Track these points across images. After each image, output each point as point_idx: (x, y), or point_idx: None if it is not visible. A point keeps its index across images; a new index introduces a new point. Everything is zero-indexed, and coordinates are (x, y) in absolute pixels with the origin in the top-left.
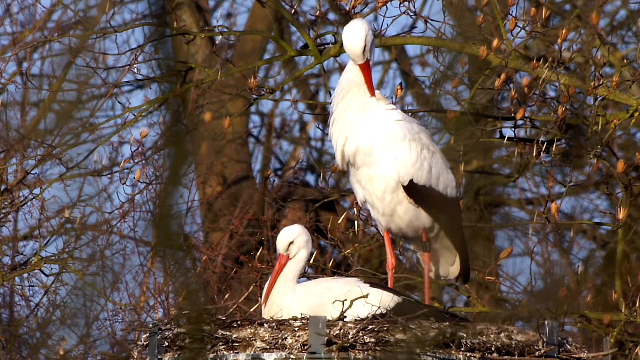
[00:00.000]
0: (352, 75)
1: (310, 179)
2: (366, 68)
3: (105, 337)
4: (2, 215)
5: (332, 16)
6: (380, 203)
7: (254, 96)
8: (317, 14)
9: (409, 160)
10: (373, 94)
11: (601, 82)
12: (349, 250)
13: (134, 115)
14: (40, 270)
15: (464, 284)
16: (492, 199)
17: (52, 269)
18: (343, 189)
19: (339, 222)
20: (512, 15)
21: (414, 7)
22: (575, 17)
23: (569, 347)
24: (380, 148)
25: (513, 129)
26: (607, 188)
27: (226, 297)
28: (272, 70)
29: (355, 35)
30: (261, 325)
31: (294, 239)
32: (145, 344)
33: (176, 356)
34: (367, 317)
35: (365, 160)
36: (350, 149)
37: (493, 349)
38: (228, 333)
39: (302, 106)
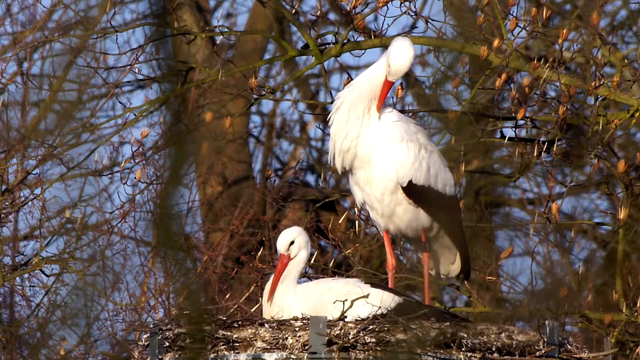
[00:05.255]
0: (374, 83)
1: (311, 178)
2: (389, 86)
3: (106, 337)
4: (2, 215)
5: (332, 16)
6: (379, 204)
7: (255, 96)
8: (318, 13)
9: (407, 161)
10: (378, 110)
11: (602, 82)
12: (349, 250)
13: (135, 115)
14: (41, 270)
15: (465, 280)
16: (492, 199)
17: (52, 269)
18: (343, 189)
19: (340, 222)
20: (512, 15)
21: (415, 7)
22: (576, 17)
23: (569, 347)
24: (378, 150)
25: (513, 129)
26: (608, 188)
27: (227, 297)
28: (273, 70)
29: (410, 56)
30: (262, 325)
31: (294, 239)
32: (145, 344)
33: (177, 356)
34: (368, 317)
35: (363, 164)
36: (349, 156)
37: (493, 348)
38: (228, 333)
39: (302, 106)
